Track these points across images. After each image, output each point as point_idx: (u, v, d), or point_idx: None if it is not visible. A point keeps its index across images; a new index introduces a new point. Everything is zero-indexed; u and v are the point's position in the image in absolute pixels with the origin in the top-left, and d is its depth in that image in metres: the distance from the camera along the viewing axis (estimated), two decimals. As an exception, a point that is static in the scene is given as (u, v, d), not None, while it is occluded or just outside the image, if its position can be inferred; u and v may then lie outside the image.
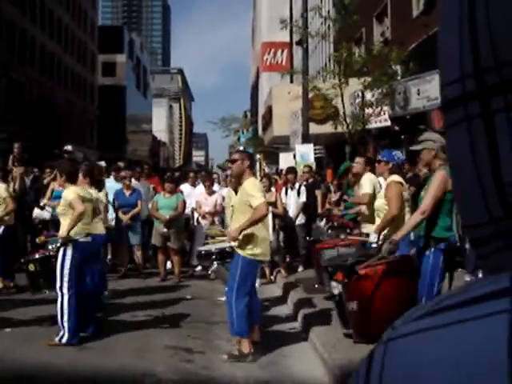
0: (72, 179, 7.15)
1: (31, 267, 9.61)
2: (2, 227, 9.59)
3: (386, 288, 5.72)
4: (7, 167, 11.57)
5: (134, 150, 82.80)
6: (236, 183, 6.78)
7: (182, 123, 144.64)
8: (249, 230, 6.15)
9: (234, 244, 6.28)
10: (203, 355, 6.43)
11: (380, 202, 6.87)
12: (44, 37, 49.98)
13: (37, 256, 9.76)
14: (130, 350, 6.62)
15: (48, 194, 10.98)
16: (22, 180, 11.79)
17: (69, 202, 6.89)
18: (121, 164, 13.70)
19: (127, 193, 11.73)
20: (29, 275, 9.68)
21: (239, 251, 6.26)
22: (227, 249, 6.76)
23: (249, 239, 6.21)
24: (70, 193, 6.92)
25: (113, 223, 11.49)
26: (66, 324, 6.70)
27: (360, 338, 5.87)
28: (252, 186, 6.24)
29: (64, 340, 6.66)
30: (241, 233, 6.13)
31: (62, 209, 7.02)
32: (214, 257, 7.97)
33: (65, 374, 5.82)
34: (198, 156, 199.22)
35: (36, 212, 11.20)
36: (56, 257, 6.99)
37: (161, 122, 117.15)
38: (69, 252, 6.84)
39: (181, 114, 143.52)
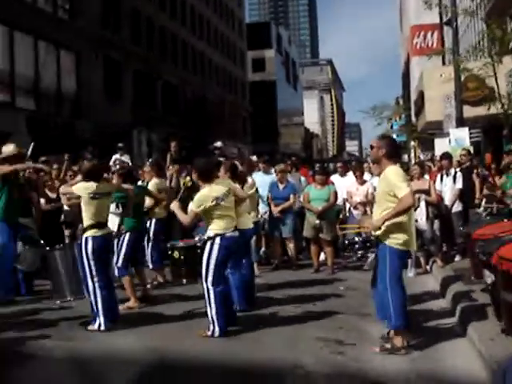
0: (205, 177, 7.02)
1: (176, 254, 10.02)
2: (154, 220, 9.95)
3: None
4: (164, 164, 11.98)
5: (287, 143, 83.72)
6: (378, 171, 6.54)
7: (334, 114, 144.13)
8: (393, 219, 5.96)
9: (377, 233, 6.12)
10: (354, 347, 6.33)
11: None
12: (194, 38, 51.84)
13: (181, 244, 10.15)
14: (281, 341, 6.66)
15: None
16: (177, 178, 12.26)
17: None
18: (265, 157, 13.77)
19: (281, 186, 11.83)
20: (172, 262, 10.11)
21: (385, 241, 6.10)
22: (371, 238, 6.60)
23: (394, 228, 6.01)
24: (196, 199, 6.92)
25: (266, 216, 11.68)
26: (214, 318, 6.83)
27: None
28: (394, 175, 5.98)
29: (216, 334, 6.79)
30: (384, 223, 5.96)
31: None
32: (357, 246, 7.85)
33: (216, 364, 5.96)
34: (351, 146, 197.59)
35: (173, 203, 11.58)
36: (202, 248, 7.11)
37: (312, 113, 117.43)
38: (215, 246, 6.89)
39: (332, 104, 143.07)
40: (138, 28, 39.59)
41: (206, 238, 7.07)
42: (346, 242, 7.13)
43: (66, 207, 11.33)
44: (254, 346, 6.50)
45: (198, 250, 7.43)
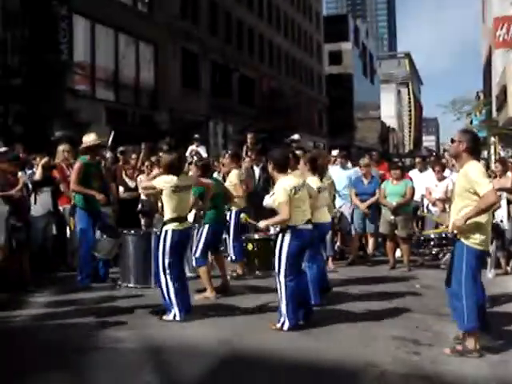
0: (281, 168, 6.99)
1: (250, 246, 10.03)
2: (234, 210, 9.97)
3: None
4: (241, 155, 11.98)
5: (363, 137, 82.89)
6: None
7: (411, 108, 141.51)
8: (475, 218, 5.75)
9: (455, 231, 5.91)
10: (431, 348, 6.15)
11: None
12: (271, 32, 51.88)
13: (256, 236, 10.16)
14: (354, 338, 6.55)
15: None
16: (251, 169, 12.24)
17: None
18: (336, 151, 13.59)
19: (366, 181, 11.66)
20: (247, 253, 10.13)
21: (463, 240, 5.88)
22: (449, 235, 6.37)
23: (472, 227, 5.79)
24: (279, 190, 6.85)
25: (343, 210, 11.54)
26: (284, 311, 6.78)
27: None
28: (476, 172, 5.75)
29: (285, 327, 6.75)
30: (466, 222, 5.75)
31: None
32: (432, 243, 7.63)
33: (289, 359, 5.90)
34: (428, 141, 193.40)
35: (266, 200, 11.48)
36: (275, 241, 7.05)
37: (389, 107, 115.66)
38: (287, 238, 6.82)
39: (409, 98, 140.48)
40: (215, 20, 39.92)
41: (278, 230, 7.03)
42: (422, 238, 6.91)
43: (143, 196, 11.50)
44: (326, 342, 6.41)
45: (271, 242, 7.39)
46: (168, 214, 7.38)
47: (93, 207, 9.31)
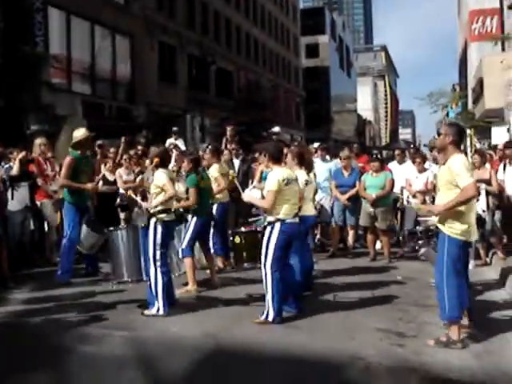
0: (276, 159, 7.12)
1: (237, 239, 10.00)
2: (216, 204, 9.91)
3: None
4: (221, 150, 11.92)
5: (340, 130, 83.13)
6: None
7: (388, 101, 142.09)
8: (454, 209, 5.78)
9: (437, 223, 5.94)
10: (415, 340, 6.15)
11: None
12: (248, 24, 51.79)
13: (243, 229, 10.13)
14: (338, 330, 6.55)
15: (257, 175, 11.20)
16: (231, 162, 12.17)
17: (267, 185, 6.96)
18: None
19: (346, 173, 11.65)
20: (234, 247, 10.11)
21: (444, 230, 5.91)
22: (432, 227, 6.41)
23: (454, 218, 5.83)
24: (272, 179, 6.92)
25: (323, 203, 11.51)
26: (269, 302, 6.78)
27: None
28: (458, 164, 5.78)
29: (270, 318, 6.75)
30: (444, 210, 5.80)
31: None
32: (418, 235, 7.66)
33: (273, 351, 5.87)
34: (404, 134, 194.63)
35: (245, 194, 11.42)
36: (262, 234, 7.08)
37: (366, 100, 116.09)
38: (275, 231, 6.86)
39: (386, 91, 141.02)
40: (192, 13, 39.68)
41: (266, 222, 7.04)
42: (407, 231, 6.94)
43: (121, 190, 11.40)
44: (311, 335, 6.40)
45: (259, 235, 7.40)
46: (158, 205, 7.37)
47: (81, 202, 9.26)
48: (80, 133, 9.36)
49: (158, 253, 7.28)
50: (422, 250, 7.63)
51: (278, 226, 6.88)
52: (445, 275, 5.86)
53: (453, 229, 5.86)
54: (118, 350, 6.00)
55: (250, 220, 10.91)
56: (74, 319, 7.10)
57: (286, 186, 6.89)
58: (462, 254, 6.00)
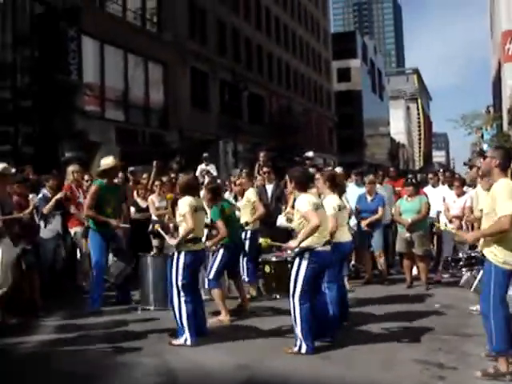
0: (302, 187, 6.90)
1: (267, 268, 9.80)
2: (249, 231, 9.76)
3: None
4: (254, 174, 11.80)
5: (373, 154, 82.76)
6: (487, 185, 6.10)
7: (421, 123, 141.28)
8: (502, 235, 5.53)
9: (482, 249, 5.70)
10: (456, 371, 5.90)
11: None
12: (280, 50, 52.05)
13: (274, 259, 9.93)
14: (375, 361, 6.31)
15: (290, 201, 11.03)
16: (264, 188, 12.04)
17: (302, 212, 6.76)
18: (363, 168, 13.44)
19: (369, 198, 11.45)
20: (264, 275, 9.91)
21: (490, 259, 5.66)
22: (476, 255, 6.18)
23: (499, 244, 5.57)
24: (303, 202, 6.73)
25: (355, 228, 11.29)
26: (299, 334, 6.58)
27: None
28: (501, 191, 5.53)
29: (303, 351, 6.55)
30: (479, 240, 5.57)
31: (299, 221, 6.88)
32: (461, 263, 7.41)
33: (309, 384, 5.68)
34: (438, 156, 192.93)
35: (279, 220, 11.26)
36: (292, 263, 6.86)
37: (399, 123, 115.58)
38: (304, 261, 6.64)
39: (419, 114, 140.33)
40: (223, 39, 40.02)
41: (296, 252, 6.82)
42: (450, 258, 6.70)
43: (154, 217, 11.33)
44: (347, 367, 6.17)
45: (289, 265, 7.18)
46: (180, 242, 7.22)
47: (106, 229, 9.12)
48: (108, 161, 9.26)
49: (181, 283, 7.09)
50: (464, 280, 7.39)
51: (307, 255, 6.64)
52: (491, 306, 5.61)
53: (498, 257, 5.61)
54: (146, 380, 5.87)
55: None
56: (103, 349, 6.99)
57: (316, 210, 6.67)
58: (508, 283, 5.76)
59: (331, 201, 7.70)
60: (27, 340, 7.39)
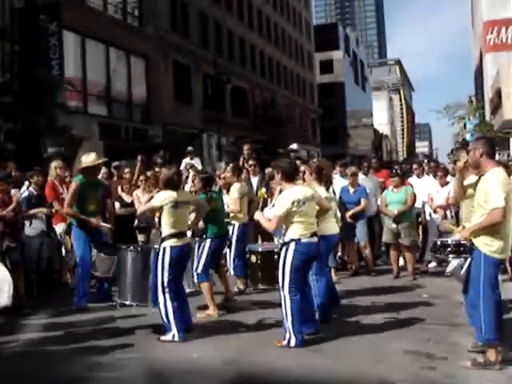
0: (289, 178, 6.84)
1: (253, 259, 9.75)
2: (236, 225, 9.68)
3: None
4: (242, 168, 11.67)
5: (356, 145, 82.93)
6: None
7: (404, 114, 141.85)
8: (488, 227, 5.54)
9: (472, 238, 5.70)
10: (446, 362, 5.90)
11: None
12: (262, 42, 51.90)
13: (260, 249, 9.88)
14: (365, 353, 6.30)
15: (276, 194, 10.96)
16: (249, 180, 11.97)
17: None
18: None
19: (351, 190, 11.43)
20: (250, 266, 9.85)
21: (480, 248, 5.64)
22: (465, 243, 6.15)
23: (490, 234, 5.57)
24: (281, 202, 6.70)
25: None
26: (289, 327, 6.56)
27: None
28: (492, 182, 5.52)
29: (292, 344, 6.53)
30: (471, 234, 5.58)
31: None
32: (449, 249, 7.37)
33: (298, 377, 5.67)
34: (421, 147, 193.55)
35: (265, 212, 11.18)
36: (279, 254, 6.80)
37: (382, 114, 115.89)
38: (290, 252, 6.61)
39: (401, 105, 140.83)
40: (205, 32, 39.83)
41: (282, 243, 6.79)
42: (439, 242, 6.68)
43: (139, 212, 11.23)
44: (336, 359, 6.15)
45: (276, 256, 7.15)
46: (166, 230, 7.13)
47: (88, 226, 8.99)
48: (89, 158, 9.04)
49: (166, 279, 7.00)
50: (450, 267, 7.36)
51: (292, 246, 6.62)
52: (481, 296, 5.60)
53: (489, 246, 5.60)
54: (135, 377, 5.82)
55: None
56: (89, 347, 6.90)
57: (299, 208, 6.61)
58: (497, 273, 5.75)
59: (319, 192, 7.65)
60: (12, 339, 7.29)
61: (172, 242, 7.08)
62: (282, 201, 6.68)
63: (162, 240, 7.15)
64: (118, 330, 7.55)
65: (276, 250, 7.46)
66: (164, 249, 7.08)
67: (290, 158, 11.64)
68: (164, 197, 7.10)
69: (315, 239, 6.81)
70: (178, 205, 7.13)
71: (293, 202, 6.61)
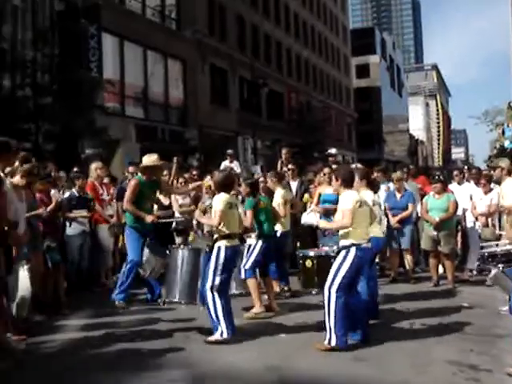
0: (348, 184, 6.90)
1: (308, 263, 9.66)
2: (279, 231, 9.61)
3: None
4: (283, 174, 11.57)
5: (392, 151, 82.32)
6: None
7: (440, 120, 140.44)
8: None
9: None
10: (491, 374, 5.75)
11: None
12: (299, 46, 51.82)
13: (312, 254, 9.79)
14: (407, 363, 6.17)
15: (315, 198, 10.88)
16: (287, 184, 11.89)
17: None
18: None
19: (398, 195, 11.28)
20: (304, 270, 9.76)
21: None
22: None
23: None
24: (347, 199, 6.73)
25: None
26: (331, 326, 6.51)
27: None
28: None
29: (333, 343, 6.48)
30: None
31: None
32: (497, 258, 7.23)
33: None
34: (457, 153, 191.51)
35: (304, 217, 11.12)
36: (335, 258, 6.82)
37: (417, 120, 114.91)
38: (350, 256, 6.62)
39: (438, 110, 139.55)
40: (243, 36, 39.91)
41: (341, 246, 6.77)
42: (486, 253, 6.53)
43: (177, 214, 11.25)
44: (379, 367, 6.04)
45: (332, 260, 7.11)
46: (221, 230, 7.20)
47: (143, 225, 8.92)
48: (151, 158, 9.07)
49: (218, 278, 7.04)
50: (492, 274, 7.21)
51: (353, 250, 6.63)
52: None
53: None
54: (175, 381, 5.78)
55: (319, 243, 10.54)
56: (129, 347, 6.91)
57: (359, 208, 6.68)
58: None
59: (367, 197, 7.60)
60: (51, 339, 7.32)
61: (226, 241, 7.15)
62: (347, 197, 6.73)
63: (215, 240, 7.20)
64: (159, 332, 7.53)
65: (332, 253, 7.53)
66: (219, 248, 7.14)
67: (328, 163, 11.60)
68: (223, 199, 7.19)
69: (370, 245, 6.87)
70: (232, 206, 7.28)
71: (356, 202, 6.69)
